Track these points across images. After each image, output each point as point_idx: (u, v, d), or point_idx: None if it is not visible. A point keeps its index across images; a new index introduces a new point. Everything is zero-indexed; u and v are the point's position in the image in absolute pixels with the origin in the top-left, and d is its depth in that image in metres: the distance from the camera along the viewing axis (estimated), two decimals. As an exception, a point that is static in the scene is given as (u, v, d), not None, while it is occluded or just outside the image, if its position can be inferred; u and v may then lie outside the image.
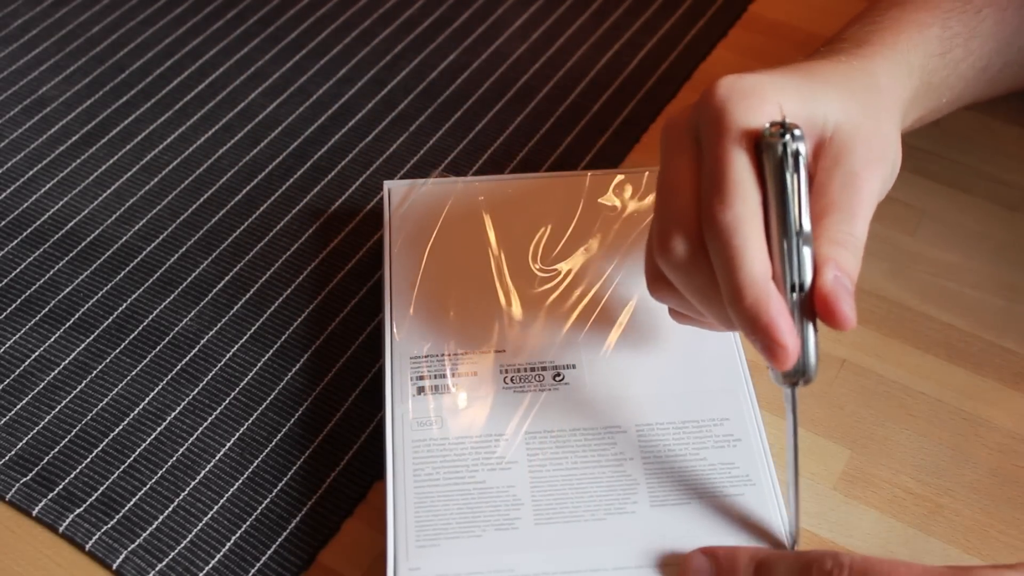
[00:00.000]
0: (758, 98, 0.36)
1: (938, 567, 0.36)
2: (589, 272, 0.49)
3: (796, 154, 0.35)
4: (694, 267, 0.37)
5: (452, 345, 0.46)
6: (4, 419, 0.48)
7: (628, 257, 0.50)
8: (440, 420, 0.44)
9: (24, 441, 0.48)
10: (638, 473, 0.43)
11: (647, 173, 0.53)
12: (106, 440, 0.48)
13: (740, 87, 0.37)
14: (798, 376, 0.37)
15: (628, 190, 0.52)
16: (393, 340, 0.46)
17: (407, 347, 0.46)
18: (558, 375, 0.45)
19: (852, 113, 0.39)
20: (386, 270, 0.49)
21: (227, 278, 0.54)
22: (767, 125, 0.36)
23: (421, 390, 0.44)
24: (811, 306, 0.36)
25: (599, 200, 0.52)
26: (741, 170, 0.35)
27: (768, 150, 0.35)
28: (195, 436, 0.48)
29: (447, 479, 0.42)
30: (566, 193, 0.52)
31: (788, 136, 0.35)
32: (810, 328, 0.36)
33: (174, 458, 0.47)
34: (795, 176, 0.35)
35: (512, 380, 0.45)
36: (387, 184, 0.53)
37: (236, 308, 0.53)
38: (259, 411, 0.49)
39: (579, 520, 0.41)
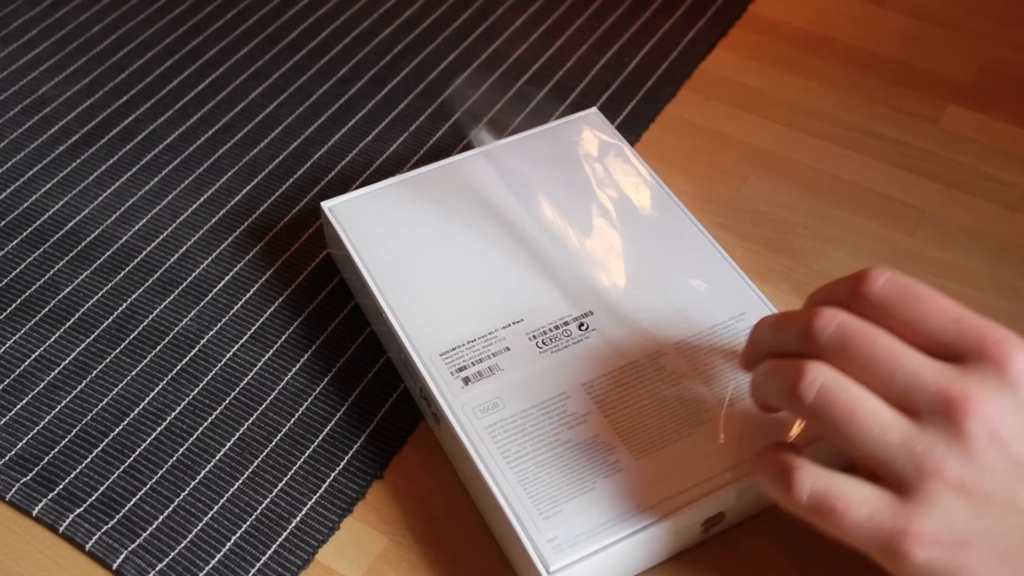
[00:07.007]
0: None
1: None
2: (563, 225, 0.50)
3: None
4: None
5: (470, 331, 0.46)
6: (4, 419, 0.48)
7: (584, 204, 0.51)
8: (500, 400, 0.44)
9: (24, 441, 0.48)
10: (698, 386, 0.44)
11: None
12: (106, 440, 0.48)
13: None
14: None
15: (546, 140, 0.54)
16: (413, 345, 0.46)
17: (429, 346, 0.46)
18: (582, 325, 0.46)
19: None
20: (370, 283, 0.48)
21: (227, 278, 0.54)
22: None
23: (467, 380, 0.45)
24: None
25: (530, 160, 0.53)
26: None
27: None
28: (195, 436, 0.48)
29: (536, 450, 0.42)
30: (498, 167, 0.53)
31: None
32: None
33: (174, 458, 0.47)
34: None
35: (544, 343, 0.46)
36: (325, 204, 0.51)
37: (236, 308, 0.53)
38: (259, 411, 0.49)
39: (674, 440, 0.43)
